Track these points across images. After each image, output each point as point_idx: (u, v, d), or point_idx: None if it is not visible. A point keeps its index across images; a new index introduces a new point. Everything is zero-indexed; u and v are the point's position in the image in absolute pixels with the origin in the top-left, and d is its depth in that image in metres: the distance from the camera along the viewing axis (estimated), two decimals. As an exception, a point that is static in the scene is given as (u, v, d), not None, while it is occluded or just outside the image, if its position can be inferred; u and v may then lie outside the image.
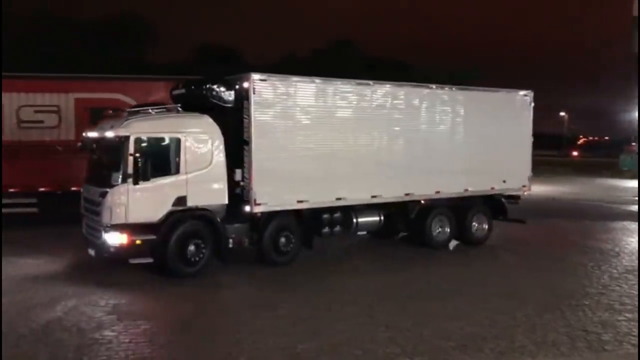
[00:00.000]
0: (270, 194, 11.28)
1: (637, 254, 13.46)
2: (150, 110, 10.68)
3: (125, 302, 9.26)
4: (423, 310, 8.87)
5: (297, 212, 11.89)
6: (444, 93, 13.79)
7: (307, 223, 12.14)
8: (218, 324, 8.32)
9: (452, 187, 13.80)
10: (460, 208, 14.20)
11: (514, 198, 15.29)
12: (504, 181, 14.60)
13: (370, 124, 12.66)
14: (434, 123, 13.61)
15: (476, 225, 14.47)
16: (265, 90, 11.17)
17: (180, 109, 11.02)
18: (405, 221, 13.73)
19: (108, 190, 10.03)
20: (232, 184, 11.31)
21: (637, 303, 9.35)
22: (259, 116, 11.10)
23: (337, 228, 12.57)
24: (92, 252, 10.61)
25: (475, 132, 14.10)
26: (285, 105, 11.47)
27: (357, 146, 12.44)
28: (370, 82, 12.70)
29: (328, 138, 12.05)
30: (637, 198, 24.62)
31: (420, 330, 7.95)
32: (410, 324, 8.22)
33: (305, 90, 11.74)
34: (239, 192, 11.36)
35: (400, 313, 8.73)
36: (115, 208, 9.92)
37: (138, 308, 9.11)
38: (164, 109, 10.90)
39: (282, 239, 11.68)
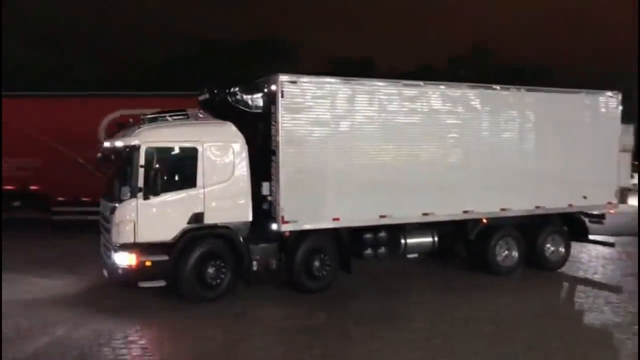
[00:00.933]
0: (300, 211, 9.97)
1: None
2: (168, 118, 9.70)
3: (133, 331, 8.27)
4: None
5: (333, 232, 10.49)
6: (510, 95, 11.93)
7: (346, 244, 10.71)
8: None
9: (520, 203, 11.87)
10: (531, 228, 12.25)
11: (598, 217, 13.10)
12: (585, 197, 12.46)
13: (421, 130, 11.05)
14: (499, 129, 11.77)
15: (551, 248, 12.43)
16: (295, 94, 9.91)
17: (201, 115, 9.97)
18: (463, 243, 11.96)
19: (117, 205, 9.11)
20: (259, 199, 10.13)
21: None
22: (287, 122, 9.85)
23: (382, 250, 11.03)
24: (105, 273, 9.73)
25: (549, 140, 12.13)
26: (318, 110, 10.14)
27: (405, 156, 10.86)
28: (421, 82, 11.11)
29: (370, 147, 10.58)
30: None
31: None
32: None
33: (342, 93, 10.35)
34: (266, 208, 10.15)
35: None
36: (123, 225, 8.97)
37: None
38: (183, 116, 9.88)
39: (316, 262, 10.30)
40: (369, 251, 10.92)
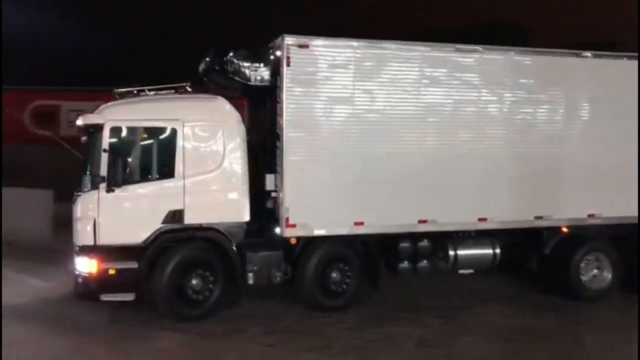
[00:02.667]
0: (311, 212, 7.81)
1: None
2: (147, 91, 7.86)
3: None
4: None
5: (356, 238, 8.24)
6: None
7: (373, 254, 8.41)
8: None
9: (617, 207, 8.92)
10: (632, 242, 9.21)
11: None
12: None
13: (476, 111, 8.47)
14: (583, 107, 8.89)
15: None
16: (305, 61, 7.72)
17: (189, 89, 8.04)
18: (536, 257, 9.21)
19: (77, 198, 7.44)
20: (263, 195, 8.11)
21: None
22: (294, 99, 7.69)
23: (423, 263, 8.61)
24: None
25: None
26: (337, 82, 7.89)
27: (451, 144, 8.36)
28: (479, 47, 8.48)
29: (406, 132, 8.20)
30: None
31: None
32: None
33: (369, 61, 8.02)
34: (271, 207, 8.10)
35: None
36: (82, 223, 7.29)
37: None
38: (169, 90, 7.99)
39: (334, 274, 8.11)
40: (405, 264, 8.56)
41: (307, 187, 7.78)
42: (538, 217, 8.71)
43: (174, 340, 7.07)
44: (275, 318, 7.89)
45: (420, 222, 8.26)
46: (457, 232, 8.70)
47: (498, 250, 8.82)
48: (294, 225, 7.75)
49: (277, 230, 7.86)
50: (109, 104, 7.43)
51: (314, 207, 7.81)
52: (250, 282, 7.75)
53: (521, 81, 8.57)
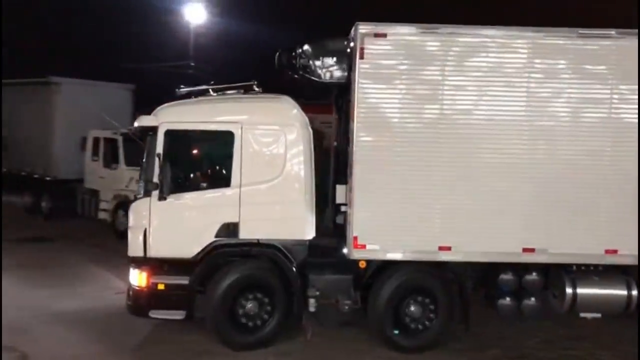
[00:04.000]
0: (384, 231, 6.59)
1: None
2: (210, 91, 7.19)
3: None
4: None
5: (444, 266, 6.84)
6: None
7: (463, 286, 6.94)
8: None
9: None
10: None
11: None
12: None
13: (605, 114, 6.61)
14: None
15: None
16: (382, 53, 6.53)
17: (257, 89, 7.22)
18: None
19: (131, 205, 6.98)
20: (334, 209, 7.09)
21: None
22: (368, 97, 6.54)
23: (531, 300, 6.94)
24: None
25: None
26: (421, 78, 6.58)
27: (570, 154, 6.60)
28: (612, 31, 6.61)
29: (508, 137, 6.62)
30: None
31: None
32: None
33: (463, 52, 6.59)
34: (341, 223, 7.02)
35: None
36: (134, 233, 6.79)
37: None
38: (235, 89, 7.24)
39: (412, 308, 6.78)
40: (506, 301, 6.96)
41: (381, 202, 6.58)
42: None
43: None
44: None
45: (525, 250, 6.63)
46: (578, 265, 6.91)
47: (635, 292, 6.84)
48: (363, 246, 6.59)
49: (345, 250, 6.75)
50: (166, 105, 6.88)
51: (388, 226, 6.59)
52: (312, 309, 6.72)
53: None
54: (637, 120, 6.56)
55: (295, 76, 7.08)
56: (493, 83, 6.59)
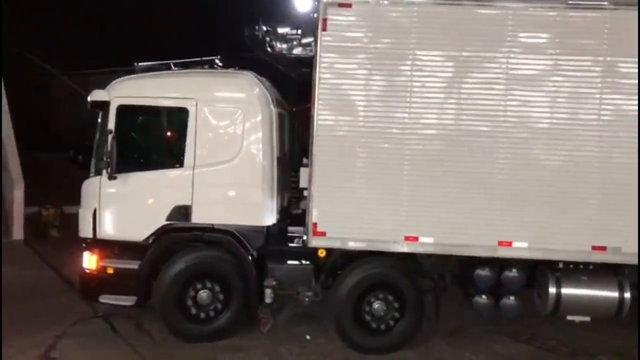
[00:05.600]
0: (346, 217, 6.07)
1: None
2: (172, 66, 6.76)
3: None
4: None
5: (412, 260, 6.27)
6: None
7: (435, 279, 6.39)
8: None
9: None
10: None
11: None
12: None
13: (604, 91, 5.89)
14: None
15: None
16: (346, 25, 5.98)
17: (219, 62, 6.76)
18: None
19: (82, 184, 6.65)
20: (296, 194, 6.63)
21: None
22: (330, 72, 6.01)
23: (510, 299, 6.31)
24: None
25: None
26: (389, 53, 5.99)
27: (556, 138, 5.92)
28: (605, 1, 5.87)
29: (484, 118, 5.98)
30: None
31: None
32: None
33: (437, 25, 5.98)
34: (304, 209, 6.54)
35: None
36: (84, 212, 6.47)
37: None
38: (198, 65, 6.80)
39: (375, 305, 6.25)
40: (482, 299, 6.35)
41: (343, 187, 6.06)
42: None
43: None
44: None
45: (502, 244, 6.00)
46: (566, 263, 6.24)
47: (628, 294, 6.13)
48: (322, 234, 6.09)
49: (304, 238, 6.27)
50: (119, 79, 6.50)
51: (350, 213, 6.06)
52: (268, 300, 6.27)
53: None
54: (635, 108, 5.83)
55: (261, 52, 6.62)
56: (465, 60, 5.95)
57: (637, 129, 5.80)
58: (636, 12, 5.73)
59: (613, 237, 5.90)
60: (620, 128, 5.86)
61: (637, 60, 5.77)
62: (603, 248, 5.91)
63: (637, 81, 5.80)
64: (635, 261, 5.93)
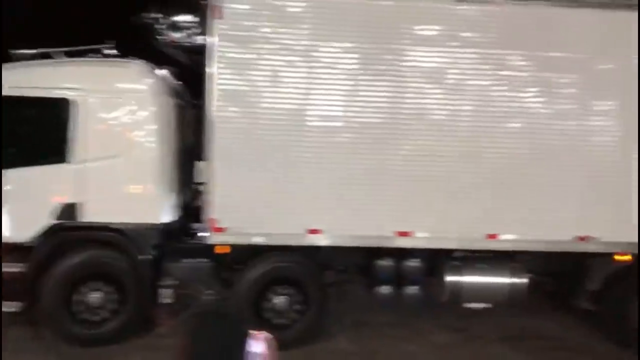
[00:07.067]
0: (247, 212, 5.92)
1: None
2: (54, 54, 6.27)
3: None
4: None
5: (314, 251, 6.22)
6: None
7: (339, 272, 6.39)
8: None
9: None
10: None
11: None
12: None
13: (491, 90, 6.06)
14: None
15: None
16: (242, 13, 5.81)
17: (108, 51, 6.40)
18: (581, 292, 6.60)
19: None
20: (195, 189, 6.41)
21: None
22: (226, 64, 5.83)
23: (411, 289, 6.39)
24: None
25: None
26: (286, 44, 5.88)
27: (449, 133, 6.05)
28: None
29: (382, 112, 6.01)
30: None
31: None
32: None
33: (333, 15, 5.93)
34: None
35: None
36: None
37: None
38: (89, 52, 6.39)
39: (276, 300, 6.16)
40: (384, 289, 6.41)
41: (242, 181, 5.90)
42: (581, 238, 6.13)
43: None
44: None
45: (399, 234, 6.06)
46: (465, 252, 6.39)
47: (521, 280, 6.37)
48: (222, 229, 5.91)
49: (203, 234, 6.06)
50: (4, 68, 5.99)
51: (250, 207, 5.92)
52: (165, 300, 6.02)
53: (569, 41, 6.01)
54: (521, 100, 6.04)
55: (152, 39, 6.32)
56: (365, 50, 5.94)
57: (524, 121, 6.03)
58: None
59: (506, 226, 6.10)
60: (509, 120, 6.06)
61: (525, 53, 6.00)
62: (496, 236, 6.10)
63: (525, 74, 6.03)
64: (528, 248, 6.17)
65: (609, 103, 6.12)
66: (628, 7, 5.99)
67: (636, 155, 6.05)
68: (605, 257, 6.28)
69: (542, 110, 6.06)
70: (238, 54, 5.82)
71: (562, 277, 6.69)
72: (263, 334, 2.52)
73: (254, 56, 5.85)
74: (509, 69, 6.01)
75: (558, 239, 6.10)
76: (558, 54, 6.01)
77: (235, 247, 6.06)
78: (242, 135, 5.89)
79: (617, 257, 6.26)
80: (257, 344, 2.45)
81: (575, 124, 6.08)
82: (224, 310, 5.17)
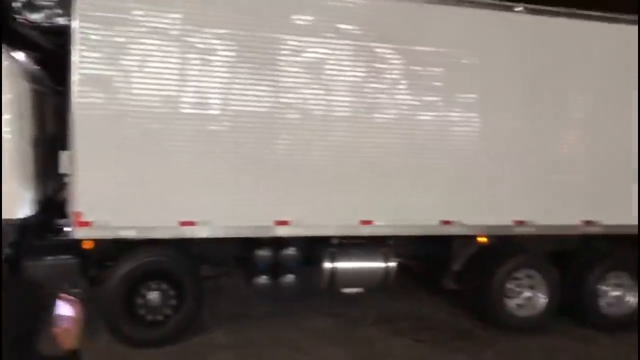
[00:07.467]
0: (115, 204, 5.60)
1: None
2: None
3: None
4: None
5: (188, 244, 6.04)
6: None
7: (213, 264, 6.30)
8: None
9: (551, 215, 6.76)
10: (572, 258, 7.10)
11: None
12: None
13: (368, 79, 6.24)
14: (530, 78, 6.66)
15: (610, 293, 7.16)
16: (106, -7, 5.48)
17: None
18: (447, 273, 7.04)
19: None
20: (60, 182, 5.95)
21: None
22: (89, 46, 5.45)
23: (288, 277, 6.44)
24: None
25: (603, 108, 6.89)
26: (155, 25, 5.63)
27: (327, 119, 6.15)
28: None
29: (259, 98, 5.96)
30: None
31: None
32: None
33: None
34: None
35: None
36: None
37: None
38: None
39: (150, 296, 5.92)
40: (262, 279, 6.38)
41: (110, 171, 5.58)
42: (446, 222, 6.52)
43: None
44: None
45: (278, 223, 6.06)
46: (341, 239, 6.54)
47: (393, 264, 6.65)
48: (88, 223, 5.54)
49: (68, 229, 5.66)
50: None
51: (119, 199, 5.61)
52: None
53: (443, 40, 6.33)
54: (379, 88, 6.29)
55: (8, 20, 5.76)
56: (249, 41, 5.84)
57: (395, 113, 6.29)
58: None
59: (379, 212, 6.32)
60: (382, 111, 6.27)
61: (395, 47, 6.24)
62: (369, 222, 6.31)
63: (395, 67, 6.27)
64: (399, 232, 6.45)
65: (470, 96, 6.54)
66: (492, 6, 6.45)
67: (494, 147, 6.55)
68: (468, 239, 6.74)
69: (411, 103, 6.34)
70: (103, 37, 5.47)
71: (430, 260, 7.09)
72: (70, 298, 2.49)
73: (123, 40, 5.52)
74: (381, 62, 6.21)
75: (426, 223, 6.43)
76: (425, 48, 6.31)
77: (104, 243, 5.72)
78: (108, 123, 5.55)
79: (478, 239, 6.75)
80: (64, 307, 2.44)
81: (440, 115, 6.44)
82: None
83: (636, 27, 6.67)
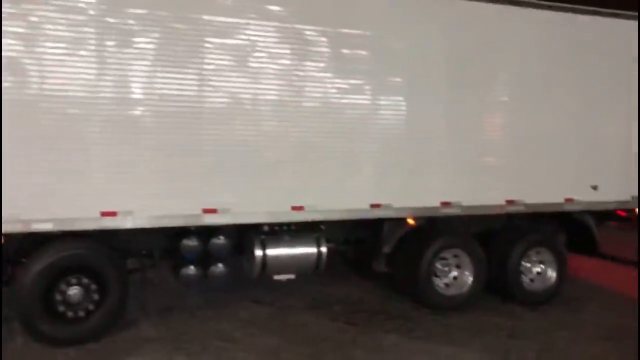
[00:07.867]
0: (29, 195, 5.24)
1: None
2: None
3: None
4: None
5: (110, 236, 5.75)
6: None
7: (139, 256, 6.05)
8: None
9: (476, 195, 6.94)
10: (497, 236, 7.35)
11: (620, 218, 8.13)
12: (594, 187, 7.45)
13: (306, 56, 6.14)
14: (445, 70, 6.77)
15: (532, 269, 7.46)
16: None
17: None
18: (378, 256, 7.10)
19: None
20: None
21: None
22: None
23: (219, 267, 6.27)
24: None
25: (526, 92, 7.13)
26: (74, 5, 5.30)
27: (254, 103, 6.01)
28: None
29: (185, 80, 5.73)
30: None
31: None
32: None
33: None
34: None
35: None
36: None
37: None
38: None
39: (70, 292, 5.60)
40: (190, 269, 6.19)
41: (22, 159, 5.21)
42: (375, 206, 6.54)
43: None
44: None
45: (206, 211, 5.88)
46: (271, 226, 6.44)
47: (324, 249, 6.63)
48: (-4, 217, 5.16)
49: (-24, 224, 5.24)
50: None
51: (33, 189, 5.26)
52: None
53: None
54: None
55: None
56: (169, 21, 5.58)
57: (322, 97, 6.23)
58: None
59: (310, 198, 6.26)
60: (309, 95, 6.19)
61: (322, 29, 6.16)
62: (301, 208, 6.24)
63: (323, 50, 6.20)
64: (331, 217, 6.42)
65: (397, 80, 6.59)
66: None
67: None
68: (398, 222, 6.82)
69: (339, 86, 6.31)
70: (14, 17, 5.07)
71: (361, 244, 7.12)
72: None
73: (35, 19, 5.15)
74: (308, 45, 6.13)
75: (356, 207, 6.44)
76: (352, 31, 6.29)
77: (15, 237, 5.35)
78: (16, 109, 5.17)
79: (408, 221, 6.84)
80: None
81: (367, 99, 6.44)
82: None
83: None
